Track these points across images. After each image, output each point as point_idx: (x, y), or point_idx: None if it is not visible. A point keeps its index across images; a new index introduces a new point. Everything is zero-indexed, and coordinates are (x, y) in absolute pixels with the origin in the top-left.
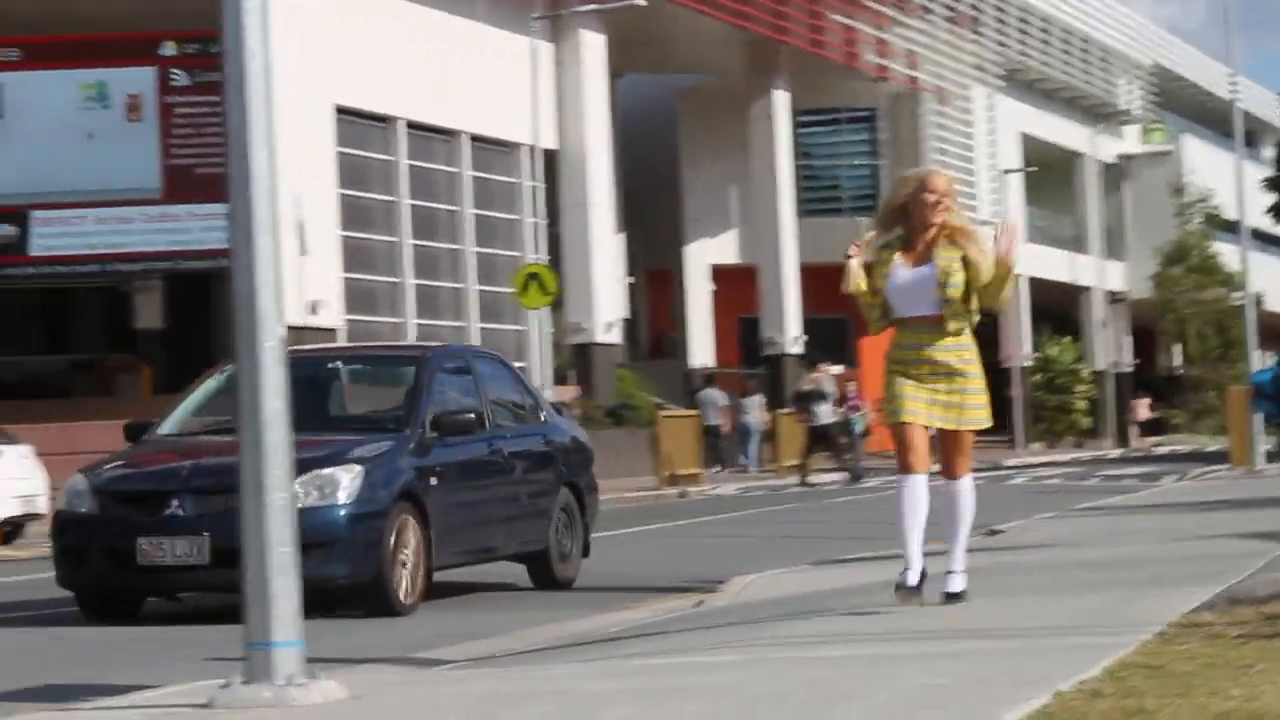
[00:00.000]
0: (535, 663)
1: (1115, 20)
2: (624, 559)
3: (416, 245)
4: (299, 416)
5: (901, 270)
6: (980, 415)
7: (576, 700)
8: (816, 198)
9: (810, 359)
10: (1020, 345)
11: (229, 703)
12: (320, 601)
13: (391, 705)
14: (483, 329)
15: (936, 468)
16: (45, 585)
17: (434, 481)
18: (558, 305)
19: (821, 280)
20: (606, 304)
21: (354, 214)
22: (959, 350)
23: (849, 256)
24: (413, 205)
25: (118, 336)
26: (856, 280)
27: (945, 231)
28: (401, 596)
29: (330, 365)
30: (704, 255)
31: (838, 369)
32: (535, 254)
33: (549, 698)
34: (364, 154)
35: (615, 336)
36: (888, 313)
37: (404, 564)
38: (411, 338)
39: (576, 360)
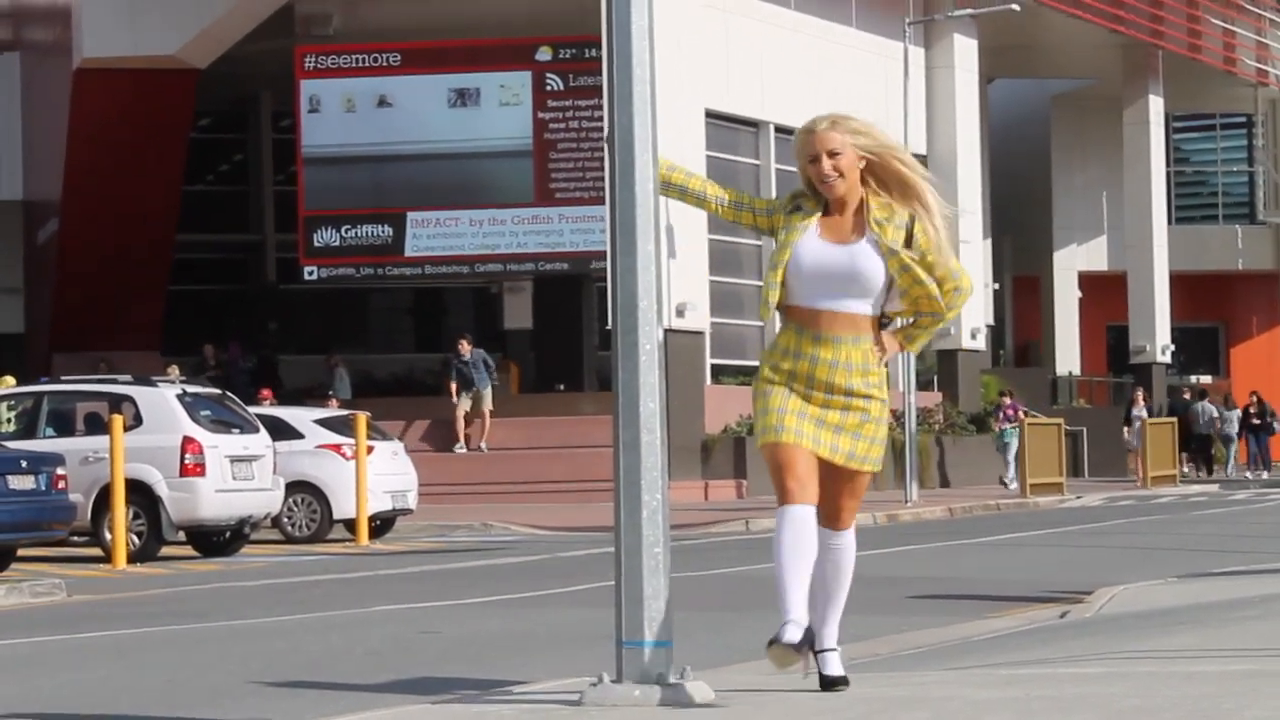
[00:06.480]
0: (903, 669)
1: None
2: (985, 567)
3: None
4: None
5: (815, 242)
6: (879, 454)
7: (954, 707)
8: (1191, 204)
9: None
10: None
11: (600, 700)
12: None
13: (764, 707)
14: None
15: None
16: (414, 579)
17: None
18: None
19: (1193, 288)
20: (972, 310)
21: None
22: (866, 371)
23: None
24: None
25: (487, 336)
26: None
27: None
28: None
29: None
30: (1072, 261)
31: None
32: None
33: (925, 704)
34: (733, 158)
35: (980, 343)
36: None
37: None
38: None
39: (941, 366)
